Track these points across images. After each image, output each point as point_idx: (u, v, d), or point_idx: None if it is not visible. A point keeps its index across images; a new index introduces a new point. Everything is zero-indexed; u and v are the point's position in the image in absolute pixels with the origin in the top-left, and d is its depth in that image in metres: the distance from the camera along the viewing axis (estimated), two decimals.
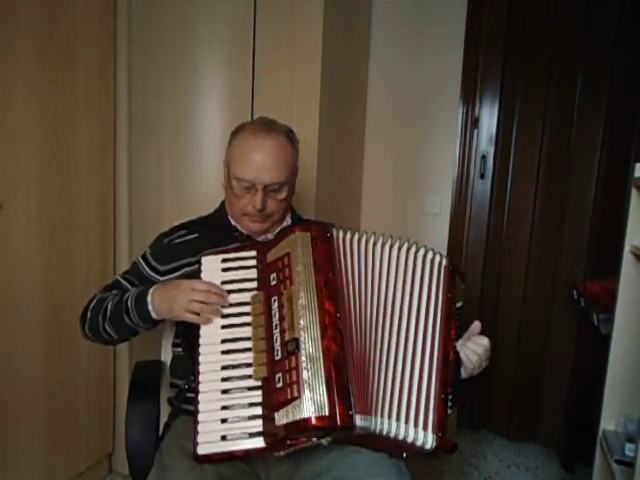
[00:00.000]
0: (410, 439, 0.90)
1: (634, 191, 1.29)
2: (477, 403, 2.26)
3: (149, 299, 1.02)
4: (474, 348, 1.01)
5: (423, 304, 0.99)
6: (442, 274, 1.03)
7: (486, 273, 2.18)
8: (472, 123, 2.11)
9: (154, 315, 1.02)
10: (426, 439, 0.90)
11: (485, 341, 1.03)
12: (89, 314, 1.12)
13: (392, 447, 0.95)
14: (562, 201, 2.02)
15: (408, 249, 1.02)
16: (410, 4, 2.15)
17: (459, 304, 1.05)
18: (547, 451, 2.15)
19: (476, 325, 1.05)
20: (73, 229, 1.60)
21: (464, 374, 1.02)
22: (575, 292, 1.88)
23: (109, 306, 1.08)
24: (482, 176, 2.14)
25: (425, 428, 0.91)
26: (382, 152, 2.26)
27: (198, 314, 0.96)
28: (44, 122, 1.47)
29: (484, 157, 2.13)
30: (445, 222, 2.20)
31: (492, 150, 2.11)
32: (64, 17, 1.49)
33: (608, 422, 1.40)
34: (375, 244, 1.01)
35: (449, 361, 0.97)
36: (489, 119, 2.10)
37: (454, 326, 1.00)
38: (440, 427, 0.91)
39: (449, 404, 0.94)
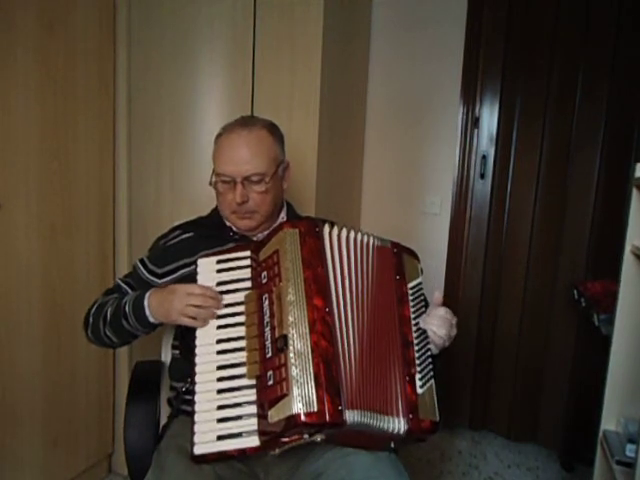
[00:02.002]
0: (384, 427, 0.90)
1: (634, 191, 1.29)
2: (477, 403, 2.26)
3: (146, 303, 1.02)
4: (437, 322, 1.01)
5: (377, 291, 1.00)
6: (387, 259, 1.05)
7: (486, 273, 2.18)
8: (472, 123, 2.11)
9: (151, 319, 1.03)
10: (399, 425, 0.91)
11: (442, 311, 1.02)
12: (91, 319, 1.12)
13: (377, 441, 0.95)
14: (562, 201, 2.01)
15: (362, 240, 1.03)
16: (410, 4, 2.15)
17: (415, 282, 1.07)
18: (547, 451, 2.15)
19: (436, 297, 1.05)
20: (73, 229, 1.60)
21: (435, 349, 1.03)
22: (575, 292, 1.87)
23: (108, 311, 1.09)
24: (482, 176, 2.14)
25: (397, 414, 0.91)
26: (382, 152, 2.26)
27: (194, 318, 0.97)
28: (44, 122, 1.47)
29: (484, 157, 2.13)
30: (445, 222, 2.20)
31: (492, 150, 2.11)
32: (64, 17, 1.49)
33: (609, 422, 1.39)
34: (347, 238, 1.02)
35: (409, 342, 0.98)
36: (489, 119, 2.10)
37: (407, 306, 1.02)
38: (410, 409, 0.92)
39: (418, 384, 0.95)
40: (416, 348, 0.98)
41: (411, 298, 1.04)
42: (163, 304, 1.01)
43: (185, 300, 0.97)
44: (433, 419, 0.94)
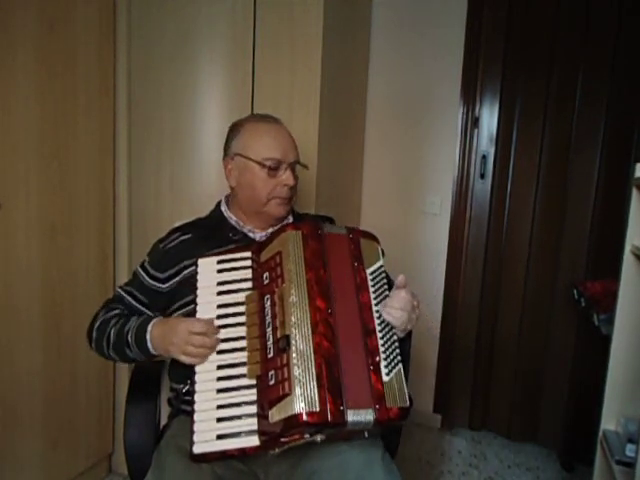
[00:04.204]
0: (353, 419, 0.88)
1: (634, 191, 1.29)
2: (477, 403, 2.26)
3: (148, 337, 1.02)
4: (392, 304, 0.98)
5: (344, 282, 0.99)
6: (343, 246, 1.03)
7: (486, 273, 2.18)
8: (472, 123, 2.11)
9: (154, 352, 1.03)
10: (365, 416, 0.89)
11: (403, 293, 0.99)
12: (94, 335, 1.11)
13: (351, 433, 0.93)
14: (562, 201, 2.02)
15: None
16: (410, 4, 2.15)
17: (375, 266, 1.04)
18: (547, 451, 2.15)
19: (399, 279, 1.02)
20: (73, 229, 1.60)
21: (400, 333, 1.01)
22: (575, 292, 1.88)
23: (112, 334, 1.08)
24: (482, 176, 2.14)
25: (363, 405, 0.89)
26: (382, 152, 2.26)
27: (194, 356, 0.96)
28: (44, 122, 1.47)
29: (484, 157, 2.13)
30: (445, 222, 2.20)
31: (492, 150, 2.11)
32: (64, 17, 1.49)
33: (608, 422, 1.40)
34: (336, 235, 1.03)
35: (370, 330, 0.96)
36: (489, 119, 2.10)
37: (366, 293, 1.00)
38: (376, 399, 0.90)
39: (384, 371, 0.93)
40: (379, 335, 0.97)
41: (371, 284, 1.01)
42: (164, 340, 1.00)
43: (186, 339, 0.95)
44: (402, 405, 0.92)
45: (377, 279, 1.03)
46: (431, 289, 2.19)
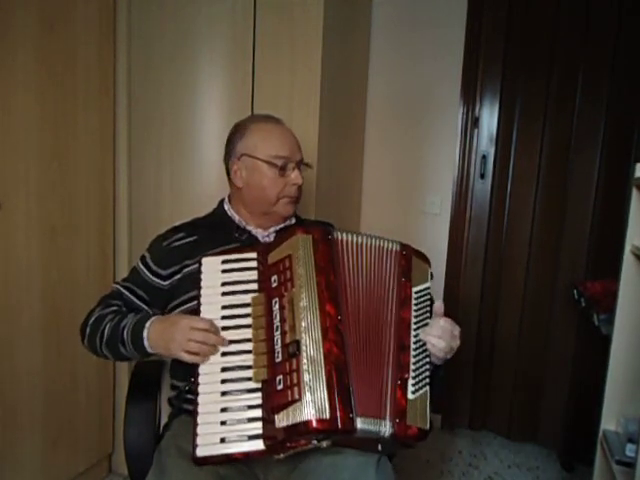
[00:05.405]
0: (370, 429, 0.87)
1: (634, 191, 1.29)
2: (477, 403, 2.26)
3: (145, 334, 1.00)
4: (437, 333, 0.98)
5: (380, 293, 0.99)
6: (394, 261, 1.03)
7: (486, 273, 2.18)
8: (472, 123, 2.11)
9: (150, 350, 1.01)
10: (384, 428, 0.89)
11: (442, 322, 0.99)
12: (88, 330, 1.10)
13: (365, 442, 0.93)
14: (562, 201, 2.02)
15: (370, 244, 1.03)
16: (410, 4, 2.16)
17: (422, 286, 1.05)
18: (547, 451, 2.15)
19: (437, 306, 1.02)
20: (73, 229, 1.60)
21: (437, 360, 1.01)
22: (575, 292, 1.88)
23: (106, 329, 1.06)
24: (482, 176, 2.14)
25: (383, 417, 0.89)
26: (382, 152, 2.26)
27: (196, 353, 0.94)
28: (44, 122, 1.47)
29: (484, 157, 2.13)
30: (445, 222, 2.20)
31: (492, 150, 2.11)
32: (64, 17, 1.49)
33: (609, 422, 1.40)
34: (357, 243, 1.02)
35: (405, 346, 0.96)
36: (489, 119, 2.10)
37: (408, 309, 1.00)
38: (397, 414, 0.90)
39: (410, 389, 0.93)
40: (413, 353, 0.96)
41: (415, 302, 1.01)
42: (163, 336, 0.98)
43: (187, 335, 0.94)
44: (422, 427, 0.92)
45: (421, 299, 1.03)
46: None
